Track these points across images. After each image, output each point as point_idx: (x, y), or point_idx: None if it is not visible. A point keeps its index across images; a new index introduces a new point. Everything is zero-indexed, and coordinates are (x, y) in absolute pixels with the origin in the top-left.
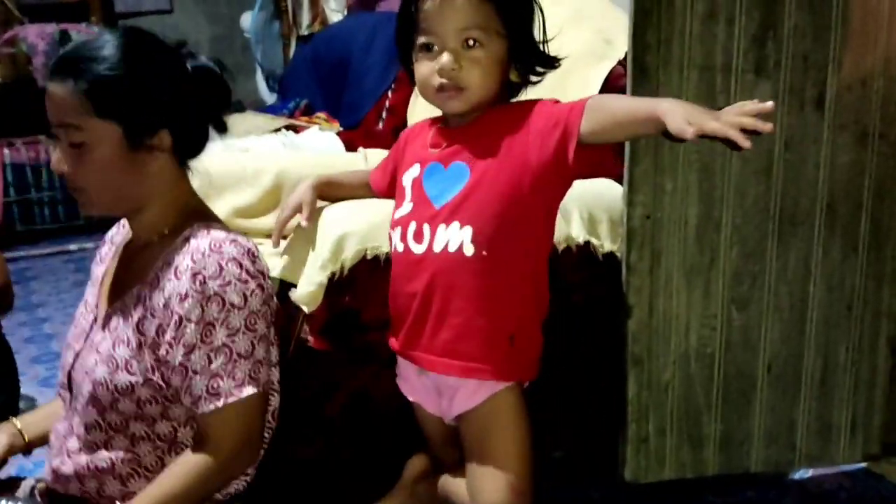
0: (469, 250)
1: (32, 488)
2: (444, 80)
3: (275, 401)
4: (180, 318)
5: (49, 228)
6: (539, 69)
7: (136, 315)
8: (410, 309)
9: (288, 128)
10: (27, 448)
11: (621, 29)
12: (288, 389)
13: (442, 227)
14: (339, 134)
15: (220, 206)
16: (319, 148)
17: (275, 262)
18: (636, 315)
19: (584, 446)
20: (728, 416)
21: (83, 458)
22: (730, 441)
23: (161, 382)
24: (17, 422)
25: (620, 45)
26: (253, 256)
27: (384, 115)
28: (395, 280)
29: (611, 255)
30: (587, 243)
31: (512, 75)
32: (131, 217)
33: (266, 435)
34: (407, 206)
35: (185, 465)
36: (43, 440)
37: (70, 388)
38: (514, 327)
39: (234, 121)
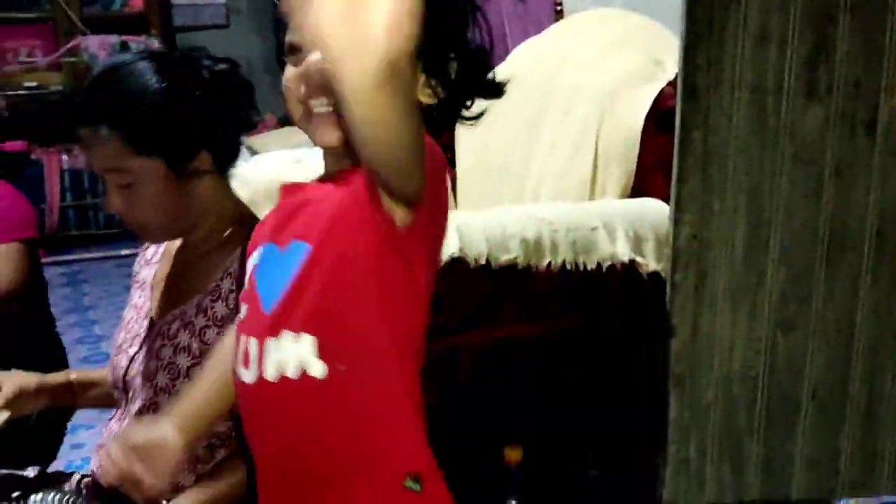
0: (317, 370)
1: (79, 482)
2: (307, 90)
3: None
4: None
5: (103, 233)
6: (473, 85)
7: (198, 324)
8: (265, 469)
9: None
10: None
11: (671, 50)
12: None
13: (271, 341)
14: None
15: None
16: None
17: None
18: (680, 335)
19: (620, 466)
20: (770, 441)
21: None
22: (772, 466)
23: None
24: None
25: (670, 67)
26: None
27: None
28: (244, 423)
29: (655, 274)
30: (632, 262)
31: (422, 95)
32: (188, 234)
33: None
34: (242, 312)
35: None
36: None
37: (125, 390)
38: (414, 460)
39: (284, 134)
